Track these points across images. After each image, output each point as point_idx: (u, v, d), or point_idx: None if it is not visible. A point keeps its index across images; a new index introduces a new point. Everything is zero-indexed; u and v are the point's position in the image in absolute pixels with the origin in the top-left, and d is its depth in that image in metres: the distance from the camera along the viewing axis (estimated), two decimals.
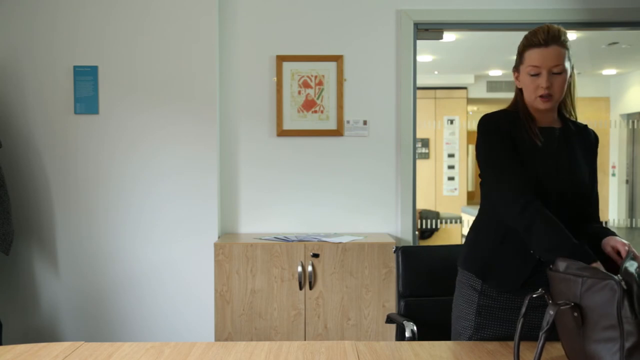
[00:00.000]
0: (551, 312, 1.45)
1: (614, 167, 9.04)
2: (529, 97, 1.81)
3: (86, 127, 3.44)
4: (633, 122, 8.79)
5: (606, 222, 8.19)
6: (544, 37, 1.76)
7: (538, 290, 1.55)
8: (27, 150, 3.44)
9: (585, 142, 1.88)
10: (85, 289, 3.46)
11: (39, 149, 3.44)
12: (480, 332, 1.86)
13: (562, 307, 1.45)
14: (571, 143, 1.85)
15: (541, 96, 1.77)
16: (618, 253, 1.67)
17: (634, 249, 1.65)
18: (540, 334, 1.45)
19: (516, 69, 1.86)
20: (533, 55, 1.78)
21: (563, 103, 1.86)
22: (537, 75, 1.77)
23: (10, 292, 3.46)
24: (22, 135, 3.43)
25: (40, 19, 3.41)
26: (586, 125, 1.91)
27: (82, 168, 3.44)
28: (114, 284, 3.46)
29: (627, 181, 8.99)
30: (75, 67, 3.42)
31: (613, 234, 1.79)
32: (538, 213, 1.69)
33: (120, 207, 3.45)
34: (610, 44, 6.67)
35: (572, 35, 5.95)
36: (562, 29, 1.81)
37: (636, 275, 1.42)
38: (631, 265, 1.48)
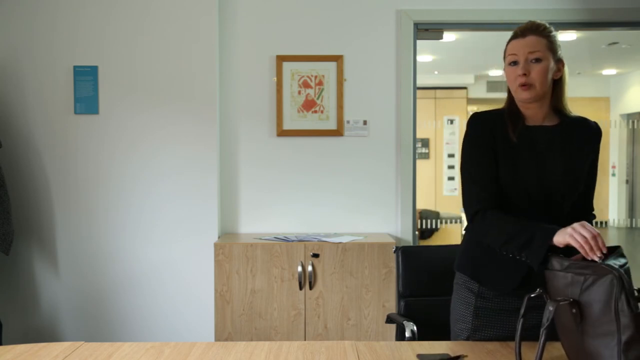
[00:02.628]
0: (550, 309, 1.45)
1: (614, 167, 9.04)
2: (512, 89, 1.82)
3: (86, 127, 3.44)
4: (633, 122, 8.78)
5: (606, 222, 8.19)
6: (521, 29, 1.81)
7: (535, 290, 1.54)
8: (27, 150, 3.44)
9: (584, 136, 1.85)
10: (85, 289, 3.46)
11: (39, 149, 3.44)
12: (478, 334, 1.85)
13: (561, 303, 1.45)
14: (564, 141, 1.83)
15: (521, 85, 1.77)
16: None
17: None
18: (541, 330, 1.44)
19: (504, 61, 1.88)
20: (511, 46, 1.82)
21: (557, 98, 1.84)
22: (515, 64, 1.79)
23: (10, 292, 3.46)
24: (22, 135, 3.43)
25: (40, 19, 3.41)
26: (586, 119, 1.89)
27: (82, 168, 3.44)
28: (114, 284, 3.46)
29: (627, 181, 8.99)
30: (75, 67, 3.42)
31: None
32: (485, 218, 1.78)
33: (120, 207, 3.45)
34: (610, 44, 6.67)
35: (572, 35, 5.94)
36: (548, 25, 1.82)
37: (622, 271, 1.42)
38: (616, 262, 1.48)
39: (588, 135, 1.86)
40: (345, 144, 3.58)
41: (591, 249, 1.51)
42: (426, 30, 3.64)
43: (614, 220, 8.70)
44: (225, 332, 3.21)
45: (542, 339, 1.44)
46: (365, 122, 3.57)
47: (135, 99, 3.44)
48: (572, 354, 1.53)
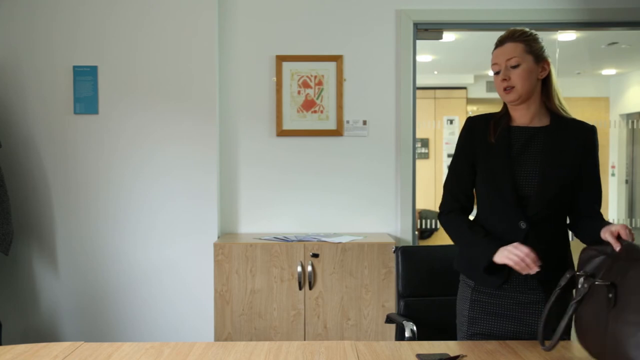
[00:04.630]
0: (585, 286, 1.50)
1: (613, 167, 9.03)
2: (499, 94, 1.93)
3: (86, 127, 3.44)
4: (633, 122, 8.78)
5: None
6: (500, 39, 1.92)
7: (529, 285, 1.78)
8: (26, 150, 3.44)
9: (573, 138, 1.88)
10: (85, 289, 3.46)
11: (39, 149, 3.44)
12: (474, 326, 1.91)
13: (597, 283, 1.49)
14: (549, 143, 1.86)
15: (504, 89, 1.88)
16: (618, 237, 1.64)
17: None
18: (571, 303, 1.57)
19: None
20: (493, 56, 1.93)
21: (546, 97, 1.91)
22: (498, 72, 1.90)
23: (10, 292, 3.46)
24: (21, 135, 3.43)
25: (39, 19, 3.41)
26: (581, 122, 1.92)
27: (82, 168, 3.44)
28: (113, 284, 3.46)
29: (626, 181, 8.98)
30: (74, 67, 3.42)
31: (608, 223, 1.77)
32: (447, 222, 1.98)
33: (120, 207, 3.45)
34: (609, 44, 6.66)
35: (571, 35, 5.94)
36: (525, 29, 1.92)
37: None
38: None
39: (578, 137, 1.89)
40: (345, 144, 3.58)
41: (526, 266, 1.71)
42: (426, 30, 3.63)
43: (613, 220, 8.68)
44: (224, 332, 3.21)
45: (570, 311, 1.57)
46: (364, 122, 3.57)
47: (135, 98, 3.44)
48: (590, 335, 1.52)
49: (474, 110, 9.70)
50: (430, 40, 3.76)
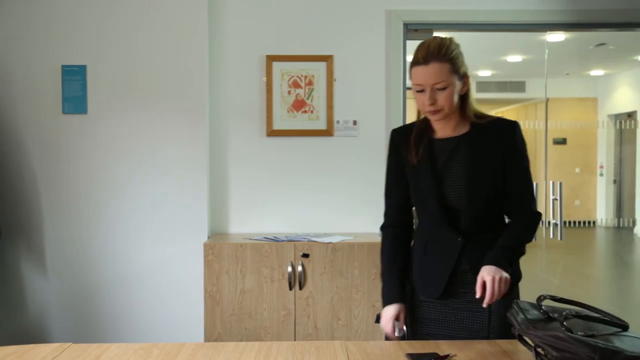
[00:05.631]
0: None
1: (601, 167, 9.09)
2: (422, 111, 1.88)
3: (75, 126, 3.42)
4: (620, 123, 8.85)
5: (594, 222, 8.24)
6: (423, 55, 1.80)
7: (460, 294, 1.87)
8: (14, 149, 3.41)
9: (494, 138, 1.86)
10: (74, 290, 3.43)
11: (27, 148, 3.41)
12: (415, 330, 1.97)
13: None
14: (471, 149, 1.86)
15: (429, 111, 1.83)
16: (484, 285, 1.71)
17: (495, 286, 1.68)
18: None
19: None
20: (416, 73, 1.82)
21: (464, 110, 1.87)
22: (422, 92, 1.82)
23: None
24: (9, 134, 3.41)
25: (27, 17, 3.39)
26: (500, 119, 1.90)
27: (70, 168, 3.42)
28: (103, 285, 3.44)
29: (614, 181, 9.05)
30: (63, 66, 3.39)
31: (505, 246, 1.82)
32: (382, 240, 2.03)
33: (109, 207, 3.43)
34: (598, 45, 6.71)
35: (560, 36, 5.98)
36: (447, 40, 1.83)
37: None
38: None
39: (499, 137, 1.86)
40: (335, 144, 3.58)
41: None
42: (416, 30, 3.64)
43: (601, 219, 8.75)
44: (215, 333, 3.20)
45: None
46: (355, 122, 3.57)
47: (124, 98, 3.42)
48: None
49: None
50: (420, 41, 3.77)
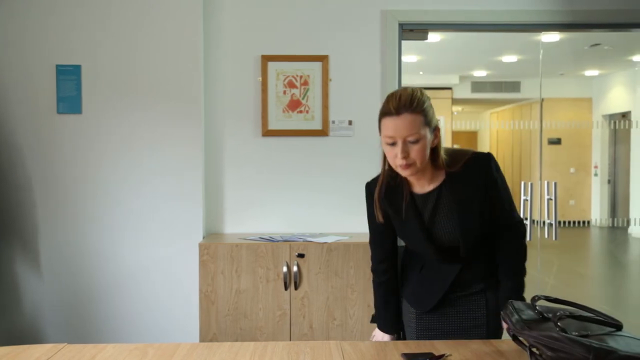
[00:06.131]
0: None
1: (596, 167, 9.12)
2: (392, 164, 1.81)
3: (69, 126, 3.40)
4: (615, 123, 8.88)
5: (588, 222, 8.27)
6: (395, 106, 1.73)
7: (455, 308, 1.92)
8: (9, 149, 3.40)
9: (471, 181, 1.84)
10: (69, 290, 3.42)
11: (21, 148, 3.40)
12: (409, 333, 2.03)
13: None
14: (451, 198, 1.85)
15: (401, 165, 1.77)
16: None
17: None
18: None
19: (380, 133, 1.82)
20: (387, 125, 1.76)
21: (435, 162, 1.83)
22: (393, 144, 1.76)
23: None
24: (3, 134, 3.39)
25: (22, 17, 3.37)
26: (471, 158, 1.85)
27: (65, 168, 3.41)
28: (98, 285, 3.43)
29: (609, 181, 9.08)
30: (57, 65, 3.38)
31: (512, 288, 1.88)
32: (373, 282, 2.06)
33: (104, 208, 3.42)
34: (592, 45, 6.73)
35: (555, 37, 6.00)
36: (418, 92, 1.76)
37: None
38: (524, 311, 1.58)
39: (474, 177, 1.84)
40: (331, 144, 3.58)
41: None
42: (411, 30, 3.65)
43: (596, 219, 8.78)
44: (210, 333, 3.19)
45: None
46: (350, 122, 3.57)
47: (119, 98, 3.41)
48: None
49: (459, 110, 9.75)
50: (415, 41, 3.78)
